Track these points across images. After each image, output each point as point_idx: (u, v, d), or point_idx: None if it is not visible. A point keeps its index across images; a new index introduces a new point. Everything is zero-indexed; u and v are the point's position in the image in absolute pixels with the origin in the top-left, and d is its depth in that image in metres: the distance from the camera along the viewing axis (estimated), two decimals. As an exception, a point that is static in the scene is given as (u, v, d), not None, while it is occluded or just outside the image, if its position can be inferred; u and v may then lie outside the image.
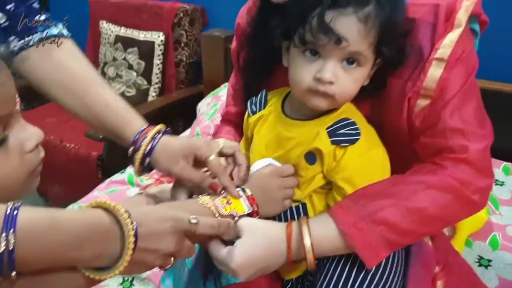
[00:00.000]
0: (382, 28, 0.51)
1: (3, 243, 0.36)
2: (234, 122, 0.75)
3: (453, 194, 0.54)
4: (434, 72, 0.55)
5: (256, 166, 0.61)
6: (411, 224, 0.54)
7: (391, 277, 0.57)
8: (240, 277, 0.54)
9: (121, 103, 0.64)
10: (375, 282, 0.55)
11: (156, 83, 1.79)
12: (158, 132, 0.60)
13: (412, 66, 0.56)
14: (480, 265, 0.86)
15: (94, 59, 1.94)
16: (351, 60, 0.52)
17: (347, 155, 0.55)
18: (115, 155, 1.41)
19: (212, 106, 1.42)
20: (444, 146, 0.56)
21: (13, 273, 0.38)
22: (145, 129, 0.61)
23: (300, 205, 0.60)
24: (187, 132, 1.44)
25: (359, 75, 0.54)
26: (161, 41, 1.72)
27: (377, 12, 0.50)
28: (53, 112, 1.73)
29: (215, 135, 0.76)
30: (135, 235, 0.44)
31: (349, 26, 0.50)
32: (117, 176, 1.21)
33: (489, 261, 0.86)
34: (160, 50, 1.73)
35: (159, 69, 1.77)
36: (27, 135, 0.47)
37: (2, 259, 0.36)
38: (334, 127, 0.55)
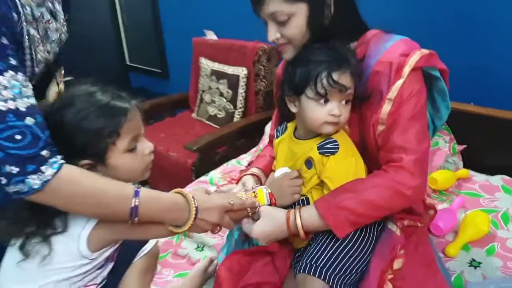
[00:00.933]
0: (357, 76, 0.81)
1: (133, 203, 0.75)
2: (271, 141, 1.09)
3: (392, 190, 0.80)
4: (386, 108, 0.82)
5: (277, 172, 0.93)
6: (365, 210, 0.80)
7: (360, 248, 0.84)
8: (260, 242, 0.87)
9: None
10: (347, 248, 0.83)
11: (240, 108, 2.18)
12: None
13: (376, 103, 0.83)
14: (471, 265, 1.02)
15: (195, 87, 2.43)
16: (347, 100, 0.82)
17: (329, 161, 0.84)
18: (203, 163, 1.83)
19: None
20: (390, 158, 0.83)
21: (136, 219, 0.76)
22: None
23: (305, 198, 0.90)
24: (259, 146, 1.79)
25: (349, 108, 0.84)
26: (245, 74, 2.12)
27: (354, 67, 0.80)
28: (163, 129, 2.26)
29: (259, 156, 1.11)
30: (196, 210, 0.80)
31: (348, 79, 0.80)
32: (202, 178, 1.61)
33: (480, 263, 1.02)
34: (244, 81, 2.13)
35: (242, 96, 2.15)
36: (145, 145, 0.85)
37: (132, 211, 0.74)
38: (322, 143, 0.85)
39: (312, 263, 0.82)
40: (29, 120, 0.67)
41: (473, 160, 1.46)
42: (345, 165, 0.85)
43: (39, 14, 0.81)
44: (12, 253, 0.80)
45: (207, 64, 2.31)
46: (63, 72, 0.97)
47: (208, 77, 2.30)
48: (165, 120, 2.46)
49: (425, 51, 0.83)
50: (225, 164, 1.70)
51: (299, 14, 0.82)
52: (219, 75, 2.23)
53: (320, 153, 0.84)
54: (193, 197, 0.81)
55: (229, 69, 2.19)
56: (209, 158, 1.87)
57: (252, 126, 2.03)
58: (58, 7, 0.89)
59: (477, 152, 1.46)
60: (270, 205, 0.89)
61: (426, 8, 1.61)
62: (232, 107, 2.19)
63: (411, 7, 1.65)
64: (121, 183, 0.77)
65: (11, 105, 0.65)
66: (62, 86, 0.92)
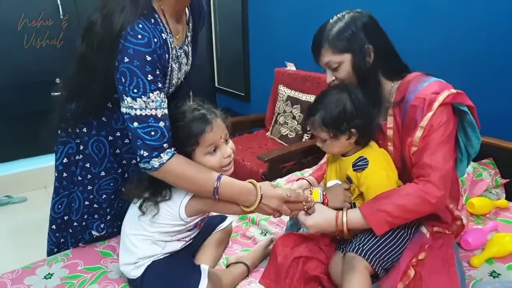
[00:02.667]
0: (324, 125, 1.07)
1: (216, 184, 1.05)
2: None
3: (421, 198, 1.02)
4: (419, 133, 1.05)
5: (329, 183, 1.20)
6: (398, 213, 1.03)
7: (397, 243, 1.08)
8: (310, 231, 1.13)
9: None
10: (387, 241, 1.07)
11: (309, 130, 2.35)
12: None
13: (412, 129, 1.07)
14: (490, 275, 1.17)
15: (272, 110, 2.74)
16: (324, 140, 1.10)
17: (362, 176, 1.09)
18: (272, 173, 2.13)
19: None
20: (420, 173, 1.05)
21: (217, 197, 1.07)
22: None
23: (351, 204, 1.15)
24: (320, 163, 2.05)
25: (331, 144, 1.10)
26: (316, 101, 2.42)
27: (320, 118, 1.06)
28: (241, 142, 2.60)
29: (317, 169, 1.40)
30: (261, 196, 1.08)
31: (316, 128, 1.08)
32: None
33: (499, 274, 1.17)
34: (315, 107, 2.43)
35: None
36: (225, 151, 1.09)
37: (214, 190, 1.05)
38: (355, 161, 1.11)
39: (360, 246, 1.06)
40: (161, 123, 1.01)
41: (516, 194, 1.57)
42: (376, 178, 1.09)
43: (179, 54, 1.15)
44: (134, 209, 1.16)
45: (284, 91, 2.63)
46: (191, 94, 1.32)
47: (284, 102, 2.61)
48: (243, 136, 2.79)
49: (453, 91, 1.04)
50: (290, 174, 1.99)
51: (345, 62, 1.08)
52: (293, 101, 2.53)
53: (354, 170, 1.11)
54: (260, 186, 1.09)
55: (303, 96, 2.48)
56: (277, 170, 2.16)
57: (317, 146, 2.25)
58: (190, 49, 1.23)
59: (520, 186, 1.57)
60: (322, 203, 1.14)
61: (473, 53, 1.78)
62: (301, 129, 2.46)
63: (455, 50, 1.84)
64: (211, 171, 1.06)
65: (153, 112, 0.99)
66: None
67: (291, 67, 2.73)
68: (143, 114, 0.98)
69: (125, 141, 1.25)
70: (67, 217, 1.30)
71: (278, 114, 2.65)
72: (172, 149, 1.03)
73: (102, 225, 1.31)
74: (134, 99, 0.97)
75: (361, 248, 1.06)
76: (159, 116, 1.00)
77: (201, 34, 1.27)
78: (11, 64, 2.78)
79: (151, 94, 0.98)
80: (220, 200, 1.07)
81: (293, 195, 1.12)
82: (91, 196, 1.26)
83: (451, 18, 1.84)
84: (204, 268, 1.15)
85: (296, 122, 2.51)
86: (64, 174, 1.25)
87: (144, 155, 1.00)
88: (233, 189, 1.07)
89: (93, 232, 1.31)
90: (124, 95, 0.98)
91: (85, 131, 1.21)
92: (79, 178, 1.24)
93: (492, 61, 1.72)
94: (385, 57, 1.10)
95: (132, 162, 1.27)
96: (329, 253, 1.20)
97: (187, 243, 1.22)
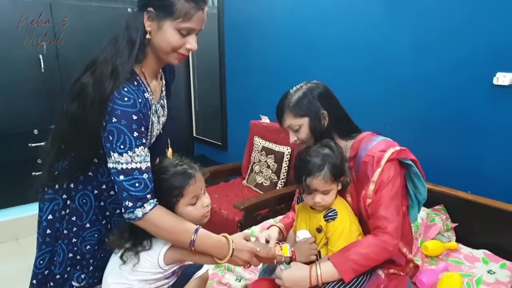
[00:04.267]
0: (334, 175, 1.20)
1: (193, 237, 1.14)
2: (293, 209, 1.50)
3: (380, 247, 1.16)
4: (371, 187, 1.21)
5: (300, 234, 1.30)
6: (363, 261, 1.15)
7: (355, 285, 1.19)
8: (285, 285, 1.20)
9: None
10: (347, 285, 1.18)
11: (282, 179, 2.58)
12: None
13: (365, 183, 1.22)
14: None
15: (248, 159, 2.86)
16: (326, 192, 1.22)
17: (330, 225, 1.22)
18: (248, 221, 2.21)
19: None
20: (377, 224, 1.19)
21: (193, 248, 1.15)
22: None
23: (317, 254, 1.27)
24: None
25: (332, 195, 1.23)
26: (288, 152, 2.57)
27: (329, 170, 1.18)
28: (218, 191, 2.69)
29: (285, 217, 1.50)
30: (232, 250, 1.15)
31: (319, 182, 1.17)
32: (245, 231, 2.01)
33: None
34: (287, 157, 2.56)
35: (285, 170, 2.57)
36: (204, 201, 1.18)
37: (191, 242, 1.14)
38: (326, 213, 1.24)
39: None
40: (145, 175, 1.10)
41: (464, 236, 1.74)
42: (341, 227, 1.22)
43: (157, 108, 1.26)
44: (115, 259, 1.23)
45: (259, 142, 2.78)
46: (169, 141, 1.42)
47: (259, 152, 2.75)
48: (220, 184, 2.88)
49: (398, 148, 1.21)
50: (264, 221, 2.11)
51: (304, 124, 1.26)
52: (268, 151, 2.67)
53: (325, 220, 1.24)
54: (232, 240, 1.19)
55: (277, 147, 2.64)
56: (252, 217, 2.25)
57: (290, 194, 2.31)
58: (165, 102, 1.34)
59: (468, 230, 1.74)
60: (291, 257, 1.25)
61: (425, 110, 2.01)
62: (276, 177, 2.59)
63: (408, 109, 2.07)
64: (189, 224, 1.15)
65: (138, 165, 1.09)
66: (170, 150, 1.39)
67: (265, 119, 2.90)
68: (129, 167, 1.08)
69: (110, 193, 1.32)
70: (47, 271, 1.32)
71: (254, 163, 2.77)
72: (155, 200, 1.12)
73: (82, 276, 1.34)
74: (120, 154, 1.06)
75: None
76: (143, 168, 1.10)
77: (180, 87, 1.40)
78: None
79: (136, 149, 1.08)
80: (196, 251, 1.16)
81: (263, 251, 1.22)
82: (75, 248, 1.30)
83: (404, 82, 2.08)
84: (182, 315, 1.21)
85: (270, 171, 2.64)
86: (48, 231, 1.29)
87: (129, 205, 1.08)
88: (208, 242, 1.15)
89: (73, 283, 1.33)
90: (111, 152, 1.06)
91: (72, 186, 1.28)
92: (65, 231, 1.29)
93: (442, 120, 1.94)
94: (338, 120, 1.29)
95: (116, 212, 1.34)
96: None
97: (166, 291, 1.29)
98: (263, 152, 2.71)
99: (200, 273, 1.47)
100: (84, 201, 1.30)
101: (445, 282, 1.38)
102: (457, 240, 1.74)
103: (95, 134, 1.11)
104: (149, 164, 1.12)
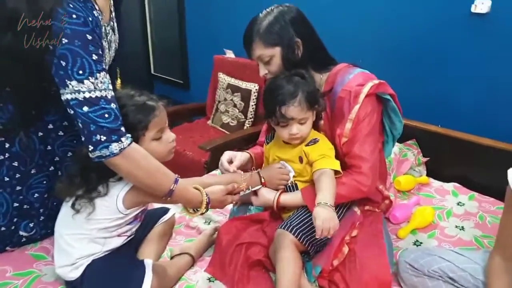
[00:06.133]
0: (309, 102, 1.09)
1: (172, 187, 1.04)
2: (260, 145, 1.40)
3: (354, 187, 1.11)
4: (348, 126, 1.12)
5: (282, 163, 1.22)
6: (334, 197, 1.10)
7: None
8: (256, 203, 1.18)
9: None
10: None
11: (250, 118, 2.48)
12: None
13: (341, 120, 1.14)
14: (414, 244, 1.32)
15: (212, 98, 2.73)
16: (302, 122, 1.12)
17: (311, 148, 1.14)
18: (215, 162, 2.11)
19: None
20: (352, 163, 1.14)
21: (168, 198, 1.07)
22: None
23: (294, 184, 1.21)
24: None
25: (308, 125, 1.14)
26: (256, 89, 2.44)
27: (304, 96, 1.08)
28: (181, 132, 2.53)
29: (251, 148, 1.41)
30: (207, 204, 1.12)
31: (295, 111, 1.09)
32: (212, 173, 1.93)
33: (421, 243, 1.32)
34: (255, 95, 2.44)
35: (253, 108, 2.47)
36: (169, 135, 1.12)
37: (169, 192, 1.04)
38: (308, 141, 1.15)
39: (288, 223, 1.13)
40: (113, 105, 0.95)
41: (435, 170, 1.76)
42: (324, 147, 1.15)
43: (108, 31, 1.11)
44: (66, 208, 1.10)
45: (224, 79, 2.62)
46: (118, 70, 1.28)
47: (224, 90, 2.61)
48: (184, 125, 2.75)
49: (376, 81, 1.13)
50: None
51: (276, 55, 1.12)
52: (234, 89, 2.54)
53: (306, 145, 1.15)
54: (204, 191, 1.12)
55: (243, 84, 2.50)
56: (219, 158, 2.17)
57: (258, 134, 2.29)
58: (115, 24, 1.19)
59: (438, 163, 1.76)
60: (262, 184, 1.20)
61: (398, 45, 1.93)
62: (243, 117, 2.49)
63: (382, 42, 1.98)
64: (169, 171, 1.05)
65: (103, 93, 0.93)
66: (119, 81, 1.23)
67: (230, 54, 2.73)
68: (93, 96, 0.92)
69: (59, 134, 1.18)
70: None
71: (219, 102, 2.65)
72: (129, 134, 0.97)
73: (31, 224, 1.23)
74: (80, 81, 0.91)
75: (288, 224, 1.12)
76: (109, 97, 0.95)
77: (134, 18, 1.24)
78: None
79: (98, 75, 0.93)
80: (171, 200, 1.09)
81: (233, 186, 1.19)
82: (21, 197, 1.18)
83: (379, 14, 1.96)
84: (148, 262, 1.14)
85: (237, 110, 2.53)
86: None
87: (102, 139, 0.92)
88: (185, 195, 1.10)
89: (21, 233, 1.22)
90: (66, 80, 0.91)
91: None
92: (6, 179, 1.15)
93: (414, 54, 1.87)
94: (313, 50, 1.16)
95: (68, 155, 1.21)
96: (272, 237, 1.24)
97: (129, 238, 1.19)
98: (229, 89, 2.58)
99: (166, 217, 1.39)
100: (26, 144, 1.14)
101: (418, 216, 1.39)
102: (428, 174, 1.75)
103: (38, 66, 0.94)
104: (113, 93, 0.97)
